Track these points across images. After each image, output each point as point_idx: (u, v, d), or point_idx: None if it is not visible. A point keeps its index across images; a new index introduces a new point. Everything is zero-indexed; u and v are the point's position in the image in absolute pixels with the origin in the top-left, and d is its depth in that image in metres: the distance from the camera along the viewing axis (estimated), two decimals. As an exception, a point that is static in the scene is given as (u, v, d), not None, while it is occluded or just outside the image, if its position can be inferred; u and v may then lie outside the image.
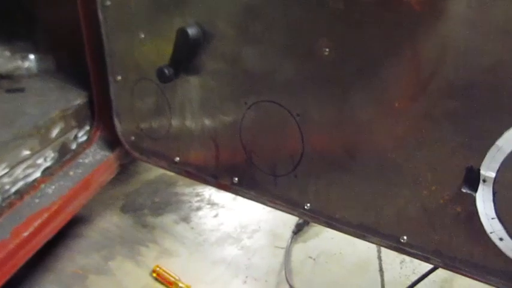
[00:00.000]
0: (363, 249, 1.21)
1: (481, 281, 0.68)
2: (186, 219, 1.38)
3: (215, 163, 0.94)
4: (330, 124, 0.74)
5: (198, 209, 1.43)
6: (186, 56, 0.86)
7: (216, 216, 1.39)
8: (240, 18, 0.78)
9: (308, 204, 0.82)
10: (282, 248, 1.24)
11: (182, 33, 0.83)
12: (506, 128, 0.57)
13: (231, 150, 0.90)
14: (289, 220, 1.31)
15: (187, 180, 1.13)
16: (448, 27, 0.57)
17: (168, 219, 1.38)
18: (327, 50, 0.69)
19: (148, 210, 1.43)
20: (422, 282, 0.93)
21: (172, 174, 1.10)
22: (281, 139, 0.81)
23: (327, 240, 1.27)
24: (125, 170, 1.49)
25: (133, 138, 1.11)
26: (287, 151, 0.81)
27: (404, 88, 0.64)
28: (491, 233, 0.62)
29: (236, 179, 0.92)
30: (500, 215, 0.61)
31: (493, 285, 0.67)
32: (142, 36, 0.96)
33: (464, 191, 0.62)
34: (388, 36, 0.62)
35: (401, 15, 0.60)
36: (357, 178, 0.74)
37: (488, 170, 0.59)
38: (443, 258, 0.69)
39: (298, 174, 0.81)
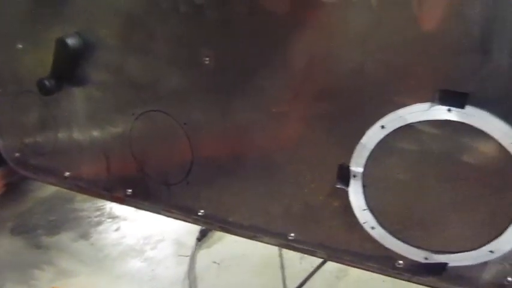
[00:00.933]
0: (265, 249, 1.25)
1: (361, 268, 0.74)
2: (85, 236, 1.32)
3: (107, 176, 0.92)
4: (215, 131, 0.76)
5: (98, 223, 1.38)
6: (67, 67, 0.83)
7: (117, 229, 1.36)
8: (121, 28, 0.77)
9: (202, 211, 0.83)
10: (186, 256, 1.24)
11: (61, 43, 0.80)
12: (368, 127, 0.62)
13: (122, 162, 0.88)
14: (194, 227, 1.31)
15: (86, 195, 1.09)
16: (313, 37, 0.62)
17: (65, 237, 1.31)
18: (207, 59, 0.70)
19: (42, 230, 1.35)
20: (320, 275, 0.99)
21: (68, 189, 1.05)
22: (171, 148, 0.81)
23: (231, 243, 1.30)
24: (15, 188, 1.39)
25: (17, 154, 1.04)
26: (178, 160, 0.81)
27: (279, 94, 0.67)
28: (364, 223, 0.68)
29: (130, 190, 0.90)
30: (370, 206, 0.66)
31: (372, 271, 0.73)
32: (20, 46, 0.91)
33: (338, 186, 0.67)
34: (260, 45, 0.66)
35: (271, 26, 0.64)
36: (244, 181, 0.77)
37: (357, 166, 0.65)
38: (327, 250, 0.74)
39: (190, 182, 0.82)
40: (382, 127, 0.62)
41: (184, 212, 0.85)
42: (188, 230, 1.33)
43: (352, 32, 0.59)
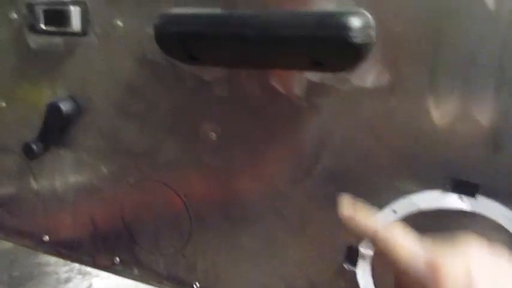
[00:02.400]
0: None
1: None
2: (53, 295, 1.24)
3: (93, 242, 0.87)
4: (217, 204, 0.74)
5: (67, 280, 1.30)
6: (57, 131, 0.79)
7: (89, 287, 1.28)
8: (120, 96, 0.74)
9: (197, 283, 0.80)
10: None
11: (54, 108, 0.76)
12: (379, 211, 0.63)
13: (112, 229, 0.84)
14: None
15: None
16: (325, 121, 0.62)
17: (31, 297, 1.23)
18: (213, 134, 0.69)
19: (4, 287, 1.25)
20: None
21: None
22: (168, 218, 0.78)
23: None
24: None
25: (-11, 214, 0.97)
26: (175, 230, 0.78)
27: (288, 173, 0.67)
28: (371, 304, 0.67)
29: (117, 258, 0.85)
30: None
31: None
32: (4, 104, 0.86)
33: (346, 267, 0.67)
34: (270, 126, 0.65)
35: (282, 107, 0.64)
36: (245, 255, 0.75)
37: (366, 248, 0.65)
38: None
39: (187, 253, 0.79)
40: (394, 211, 0.63)
41: (177, 284, 0.82)
42: None
43: (364, 119, 0.60)
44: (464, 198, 0.59)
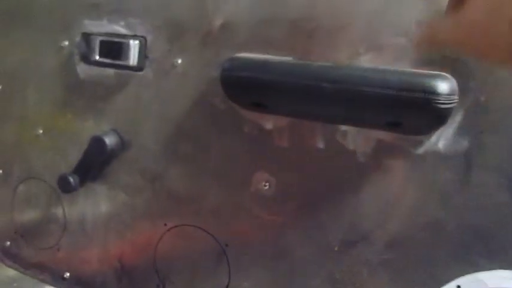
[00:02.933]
0: None
1: None
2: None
3: (117, 285, 0.82)
4: (262, 259, 0.69)
5: (74, 317, 1.23)
6: (97, 166, 0.76)
7: (97, 327, 1.21)
8: (169, 136, 0.71)
9: None
10: None
11: (98, 142, 0.73)
12: (441, 285, 0.58)
13: (141, 274, 0.79)
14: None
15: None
16: (392, 184, 0.59)
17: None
18: (267, 184, 0.66)
19: (7, 319, 1.18)
20: None
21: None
22: (205, 269, 0.73)
23: None
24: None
25: (8, 243, 0.92)
26: (210, 282, 0.73)
27: (344, 234, 0.63)
28: None
29: (143, 305, 0.80)
30: None
31: None
32: (40, 132, 0.83)
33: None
34: (331, 182, 0.62)
35: (346, 164, 0.60)
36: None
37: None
38: None
39: (220, 307, 0.73)
40: (458, 287, 0.58)
41: None
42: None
43: (437, 187, 0.57)
44: (541, 278, 0.54)
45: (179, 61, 0.67)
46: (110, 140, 0.73)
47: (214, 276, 0.73)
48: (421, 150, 0.56)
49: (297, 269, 0.67)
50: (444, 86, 0.49)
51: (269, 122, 0.63)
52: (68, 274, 0.87)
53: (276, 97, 0.56)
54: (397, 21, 0.55)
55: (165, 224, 0.75)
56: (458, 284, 0.58)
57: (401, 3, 0.54)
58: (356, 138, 0.59)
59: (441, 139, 0.55)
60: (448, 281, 0.58)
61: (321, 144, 0.61)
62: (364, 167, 0.59)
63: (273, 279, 0.69)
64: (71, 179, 0.75)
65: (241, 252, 0.70)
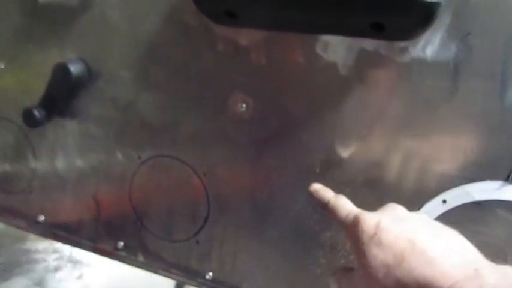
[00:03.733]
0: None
1: None
2: (40, 284, 1.14)
3: (94, 224, 0.79)
4: (241, 186, 0.66)
5: (57, 269, 1.20)
6: (63, 97, 0.71)
7: (79, 277, 1.19)
8: (139, 61, 0.66)
9: (210, 274, 0.72)
10: (159, 311, 1.11)
11: (62, 69, 0.68)
12: (427, 200, 0.56)
13: (117, 211, 0.76)
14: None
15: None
16: (376, 96, 0.56)
17: (16, 285, 1.13)
18: (244, 105, 0.62)
19: (-13, 273, 1.15)
20: None
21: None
22: (182, 201, 0.71)
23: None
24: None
25: (-23, 189, 0.88)
26: (189, 214, 0.71)
27: (326, 153, 0.60)
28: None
29: (121, 243, 0.77)
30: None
31: None
32: (2, 66, 0.77)
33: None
34: (311, 98, 0.58)
35: (327, 78, 0.57)
36: (268, 245, 0.68)
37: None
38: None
39: (201, 240, 0.71)
40: (444, 201, 0.56)
41: (188, 274, 0.74)
42: (161, 280, 1.19)
43: (423, 98, 0.54)
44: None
45: (145, -25, 0.62)
46: (74, 68, 0.68)
47: (193, 209, 0.70)
48: (406, 58, 0.53)
49: (277, 195, 0.65)
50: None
51: (244, 38, 0.59)
52: (42, 217, 0.83)
53: (247, 4, 0.51)
54: None
55: (140, 157, 0.71)
56: (444, 198, 0.56)
57: None
58: (337, 49, 0.55)
59: (428, 45, 0.52)
60: (434, 195, 0.56)
61: (300, 59, 0.57)
62: (346, 80, 0.56)
63: (253, 208, 0.67)
64: (36, 113, 0.70)
65: (220, 181, 0.67)
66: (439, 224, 0.43)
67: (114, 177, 0.74)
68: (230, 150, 0.65)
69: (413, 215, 0.44)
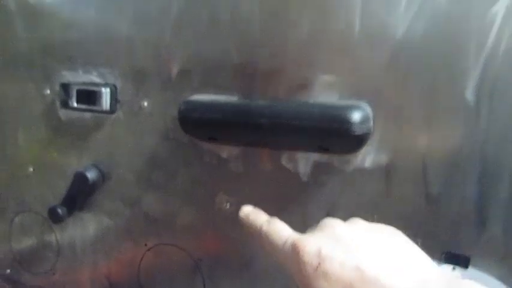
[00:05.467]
0: None
1: None
2: None
3: (108, 302, 0.92)
4: (231, 270, 0.79)
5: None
6: (82, 197, 0.86)
7: None
8: (142, 167, 0.82)
9: None
10: None
11: (81, 177, 0.83)
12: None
13: (128, 290, 0.89)
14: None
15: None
16: (329, 197, 0.69)
17: None
18: (227, 204, 0.76)
19: None
20: None
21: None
22: (182, 283, 0.83)
23: None
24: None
25: (8, 271, 1.02)
26: (188, 292, 0.83)
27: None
28: None
29: (131, 319, 0.90)
30: None
31: None
32: (31, 170, 0.93)
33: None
34: (280, 199, 0.72)
35: (290, 183, 0.71)
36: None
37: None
38: None
39: (198, 315, 0.83)
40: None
41: None
42: None
43: (365, 197, 0.67)
44: (457, 268, 0.65)
45: (145, 103, 0.78)
46: (91, 174, 0.83)
47: (191, 288, 0.83)
48: (350, 168, 0.67)
49: (259, 277, 0.77)
50: (357, 115, 0.60)
51: (224, 152, 0.74)
52: (64, 295, 0.96)
53: (224, 132, 0.67)
54: (323, 61, 0.65)
55: (146, 244, 0.85)
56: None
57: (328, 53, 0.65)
58: (298, 161, 0.70)
59: (366, 157, 0.66)
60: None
61: (269, 168, 0.72)
62: (306, 185, 0.70)
63: (242, 286, 0.79)
64: (60, 210, 0.85)
65: (213, 265, 0.80)
66: (379, 229, 0.43)
67: (125, 262, 0.88)
68: (219, 239, 0.78)
69: (351, 227, 0.42)
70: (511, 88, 0.57)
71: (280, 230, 0.44)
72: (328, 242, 0.39)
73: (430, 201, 0.64)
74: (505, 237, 0.62)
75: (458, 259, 0.65)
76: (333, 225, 0.42)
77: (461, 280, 0.36)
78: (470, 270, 0.64)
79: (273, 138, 0.65)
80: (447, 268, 0.65)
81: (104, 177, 0.85)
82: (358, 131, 0.59)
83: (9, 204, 0.98)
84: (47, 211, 0.86)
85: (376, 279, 0.35)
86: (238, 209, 0.75)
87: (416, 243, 0.43)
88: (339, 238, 0.40)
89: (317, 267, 0.37)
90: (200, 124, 0.67)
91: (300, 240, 0.40)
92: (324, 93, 0.66)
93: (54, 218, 0.86)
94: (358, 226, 0.43)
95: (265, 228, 0.45)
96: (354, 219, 0.46)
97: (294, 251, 0.40)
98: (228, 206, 0.76)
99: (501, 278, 0.63)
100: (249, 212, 0.50)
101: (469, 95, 0.59)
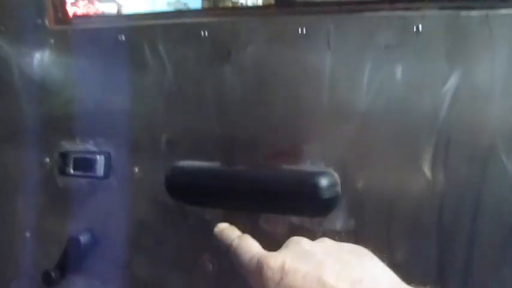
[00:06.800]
0: None
1: None
2: None
3: None
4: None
5: None
6: (75, 261, 0.90)
7: None
8: (132, 231, 0.87)
9: None
10: None
11: (74, 241, 0.88)
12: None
13: None
14: None
15: None
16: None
17: None
18: (211, 264, 0.80)
19: None
20: None
21: None
22: None
23: None
24: None
25: (0, 336, 1.03)
26: None
27: None
28: None
29: None
30: None
31: None
32: (28, 235, 0.98)
33: None
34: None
35: (268, 244, 0.75)
36: None
37: None
38: None
39: None
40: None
41: None
42: None
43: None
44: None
45: (136, 170, 0.85)
46: (83, 238, 0.88)
47: None
48: (322, 229, 0.72)
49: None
50: (325, 180, 0.66)
51: (208, 214, 0.80)
52: None
53: (206, 196, 0.73)
54: (295, 132, 0.73)
55: (134, 307, 0.88)
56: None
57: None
58: (274, 223, 0.75)
59: (336, 220, 0.72)
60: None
61: (248, 229, 0.77)
62: (281, 244, 0.75)
63: None
64: (53, 274, 0.89)
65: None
66: (346, 248, 0.43)
67: (114, 323, 0.90)
68: (205, 297, 0.82)
69: (318, 244, 0.43)
70: (462, 159, 0.64)
71: (249, 246, 0.46)
72: (293, 256, 0.40)
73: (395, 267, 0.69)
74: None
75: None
76: (298, 242, 0.44)
77: None
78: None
79: (251, 200, 0.71)
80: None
81: (96, 240, 0.90)
82: (325, 194, 0.66)
83: (6, 269, 1.02)
84: (40, 275, 0.90)
85: None
86: (221, 269, 0.81)
87: (383, 260, 0.44)
88: (304, 253, 0.41)
89: (279, 282, 0.38)
90: (185, 189, 0.74)
91: (265, 256, 0.41)
92: (297, 161, 0.73)
93: (48, 281, 0.90)
94: (324, 243, 0.44)
95: (235, 243, 0.47)
96: (322, 238, 0.47)
97: (258, 266, 0.41)
98: (211, 267, 0.80)
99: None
100: (224, 228, 0.52)
101: (426, 167, 0.66)
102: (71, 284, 0.94)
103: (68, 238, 0.89)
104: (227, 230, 0.51)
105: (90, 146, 0.89)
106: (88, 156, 0.88)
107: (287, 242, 0.46)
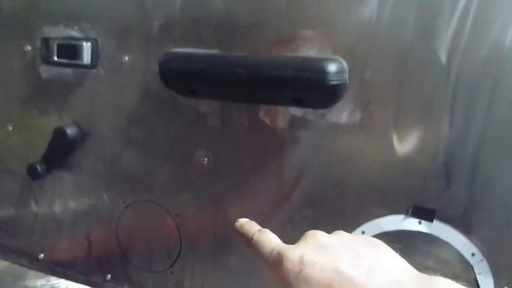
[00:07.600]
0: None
1: None
2: (39, 317, 1.26)
3: (86, 260, 0.93)
4: (206, 224, 0.81)
5: (54, 303, 1.32)
6: (61, 154, 0.86)
7: (74, 310, 1.31)
8: (122, 124, 0.82)
9: (185, 300, 0.85)
10: None
11: (60, 132, 0.83)
12: (350, 231, 0.71)
13: (105, 248, 0.90)
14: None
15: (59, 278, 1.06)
16: (304, 151, 0.71)
17: (17, 319, 1.25)
18: (205, 160, 0.77)
19: (-10, 310, 1.27)
20: None
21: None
22: (159, 237, 0.84)
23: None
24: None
25: (-14, 232, 1.02)
26: (165, 249, 0.85)
27: (271, 197, 0.75)
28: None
29: (109, 276, 0.91)
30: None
31: None
32: (10, 128, 0.93)
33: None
34: (257, 154, 0.74)
35: (267, 138, 0.72)
36: (232, 276, 0.81)
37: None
38: None
39: (175, 271, 0.85)
40: (363, 232, 0.71)
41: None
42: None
43: (339, 151, 0.69)
44: (423, 222, 0.67)
45: (126, 58, 0.78)
46: (70, 131, 0.84)
47: (168, 244, 0.84)
48: (325, 122, 0.69)
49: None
50: (333, 66, 0.61)
51: (203, 106, 0.75)
52: (42, 255, 0.97)
53: (202, 84, 0.68)
54: (303, 16, 0.67)
55: (124, 201, 0.86)
56: (363, 230, 0.71)
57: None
58: (274, 115, 0.71)
59: (341, 112, 0.68)
60: (355, 228, 0.71)
61: (246, 122, 0.73)
62: (282, 139, 0.71)
63: (215, 242, 0.81)
64: (38, 167, 0.85)
65: (189, 220, 0.82)
66: (361, 239, 0.44)
67: (103, 220, 0.88)
68: (196, 195, 0.80)
69: (333, 237, 0.44)
70: (482, 47, 0.59)
71: (268, 239, 0.47)
72: (311, 249, 0.41)
73: (401, 153, 0.66)
74: (468, 192, 0.64)
75: (424, 212, 0.67)
76: (315, 236, 0.45)
77: (434, 278, 0.38)
78: (436, 223, 0.66)
79: (250, 89, 0.66)
80: (413, 221, 0.67)
81: (83, 134, 0.85)
82: (333, 80, 0.61)
83: (-13, 165, 0.98)
84: (25, 170, 0.87)
85: (351, 278, 0.37)
86: (215, 164, 0.77)
87: (396, 250, 0.44)
88: (321, 246, 0.42)
89: (299, 272, 0.39)
90: (179, 75, 0.68)
91: (284, 249, 0.43)
92: (302, 49, 0.67)
93: (33, 174, 0.86)
94: (340, 236, 0.45)
95: (256, 237, 0.48)
96: (337, 231, 0.48)
97: (278, 258, 0.42)
98: (205, 161, 0.77)
99: (465, 232, 0.65)
100: (243, 223, 0.52)
101: (441, 53, 0.61)
102: (58, 179, 0.90)
103: (53, 130, 0.84)
104: (247, 225, 0.51)
105: (76, 32, 0.82)
106: (73, 42, 0.81)
107: (304, 235, 0.46)
